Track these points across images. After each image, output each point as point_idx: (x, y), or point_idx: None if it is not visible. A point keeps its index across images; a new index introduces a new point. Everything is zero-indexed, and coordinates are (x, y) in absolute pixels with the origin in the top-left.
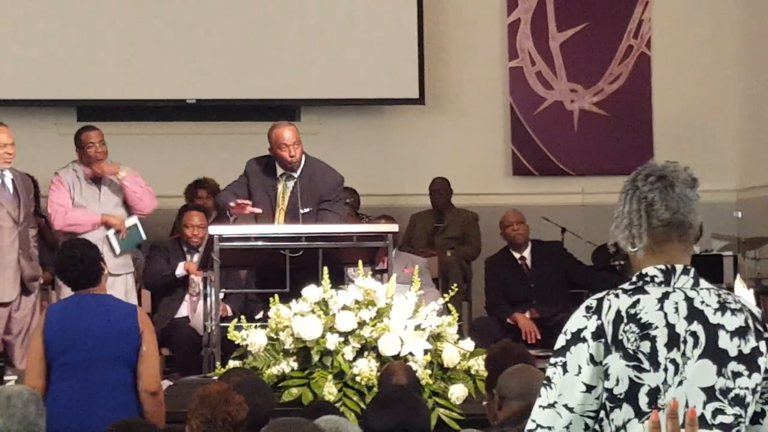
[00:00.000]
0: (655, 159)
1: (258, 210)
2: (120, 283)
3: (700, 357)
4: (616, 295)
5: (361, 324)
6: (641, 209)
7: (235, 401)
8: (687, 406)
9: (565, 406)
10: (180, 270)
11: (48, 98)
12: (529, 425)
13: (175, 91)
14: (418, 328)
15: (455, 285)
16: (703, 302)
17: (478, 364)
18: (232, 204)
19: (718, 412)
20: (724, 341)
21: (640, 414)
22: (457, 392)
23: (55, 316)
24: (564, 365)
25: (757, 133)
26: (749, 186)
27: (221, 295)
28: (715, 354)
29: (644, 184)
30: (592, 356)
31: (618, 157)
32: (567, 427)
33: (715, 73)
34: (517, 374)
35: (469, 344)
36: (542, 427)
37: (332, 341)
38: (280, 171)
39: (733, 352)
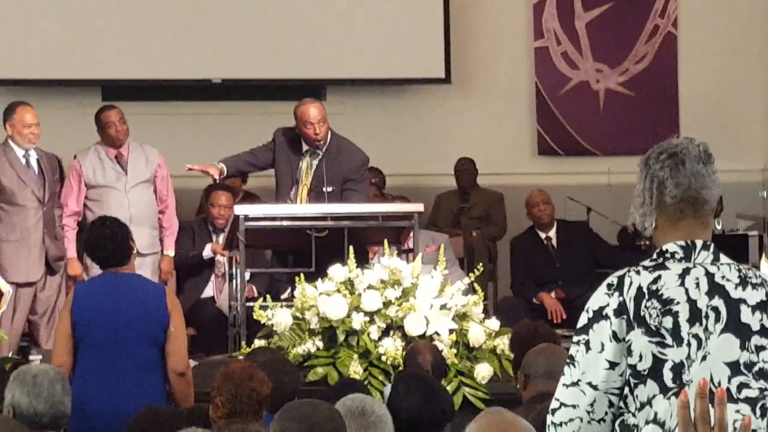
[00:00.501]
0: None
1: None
2: (148, 262)
3: (723, 332)
4: (637, 272)
5: (387, 303)
6: (653, 188)
7: (258, 377)
8: (712, 380)
9: (589, 383)
10: (207, 251)
11: (73, 78)
12: (553, 404)
13: (201, 70)
14: (443, 307)
15: (480, 265)
16: (723, 277)
17: (504, 344)
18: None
19: (743, 386)
20: (746, 315)
21: (665, 390)
22: (483, 371)
23: (83, 295)
24: (587, 343)
25: None
26: None
27: (247, 275)
28: (737, 328)
29: (656, 163)
30: (614, 333)
31: (644, 136)
32: (591, 405)
33: (742, 52)
34: (542, 353)
35: (494, 324)
36: (566, 405)
37: (358, 321)
38: (305, 147)
39: (755, 326)
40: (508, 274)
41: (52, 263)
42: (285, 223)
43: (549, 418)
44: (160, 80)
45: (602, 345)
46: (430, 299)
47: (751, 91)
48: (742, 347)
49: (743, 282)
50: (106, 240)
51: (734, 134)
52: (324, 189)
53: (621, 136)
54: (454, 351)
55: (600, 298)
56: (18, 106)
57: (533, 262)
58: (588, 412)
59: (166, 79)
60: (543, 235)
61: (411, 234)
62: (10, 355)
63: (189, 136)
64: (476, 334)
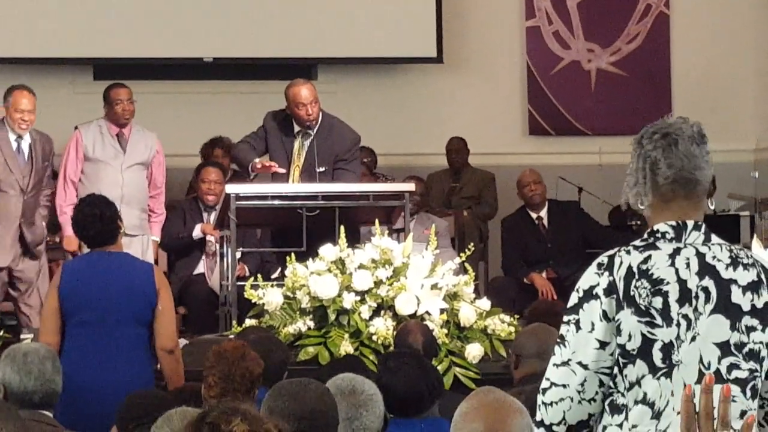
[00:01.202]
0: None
1: (282, 170)
2: (137, 243)
3: (713, 312)
4: (628, 252)
5: (378, 283)
6: (646, 167)
7: (251, 356)
8: (701, 361)
9: (579, 363)
10: (197, 232)
11: (64, 56)
12: (544, 384)
13: (192, 49)
14: (434, 287)
15: (471, 244)
16: (714, 257)
17: (495, 324)
18: (258, 164)
19: (733, 366)
20: (737, 296)
21: (654, 369)
22: (474, 351)
23: (70, 273)
24: (577, 323)
25: None
26: (767, 146)
27: (238, 254)
28: (727, 309)
29: (649, 143)
30: (604, 312)
31: (635, 116)
32: (582, 384)
33: (734, 32)
34: (534, 333)
35: (485, 303)
36: (557, 385)
37: (349, 300)
38: (296, 128)
39: (746, 307)
40: (499, 254)
41: (32, 249)
42: (276, 202)
43: (539, 397)
44: (151, 59)
45: (592, 324)
46: (421, 279)
47: (743, 70)
48: (733, 328)
49: (734, 262)
50: (94, 219)
51: (726, 114)
52: (316, 169)
53: (612, 116)
54: (445, 331)
55: (590, 277)
56: (16, 90)
57: (524, 242)
58: (578, 392)
59: (157, 57)
60: (534, 215)
61: (402, 213)
62: None
63: (181, 115)
64: (467, 314)
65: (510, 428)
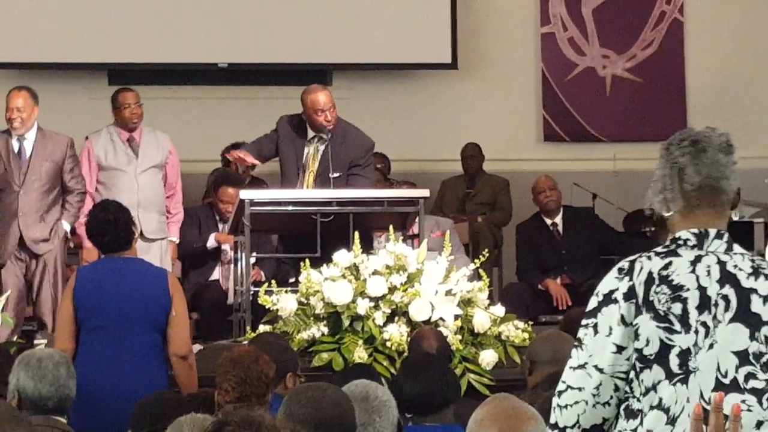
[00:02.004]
0: (688, 125)
1: (256, 161)
2: (156, 247)
3: (732, 320)
4: (649, 258)
5: (392, 289)
6: (674, 174)
7: (264, 360)
8: (719, 369)
9: (596, 366)
10: (211, 242)
11: (79, 62)
12: (560, 386)
13: (207, 55)
14: (448, 293)
15: (486, 250)
16: (736, 266)
17: (509, 330)
18: (236, 154)
19: (750, 376)
20: (757, 305)
21: (670, 375)
22: (488, 358)
23: (85, 279)
24: (595, 326)
25: None
26: None
27: (252, 260)
28: (747, 318)
29: (677, 149)
30: (623, 317)
31: (650, 123)
32: (597, 388)
33: (748, 39)
34: (549, 339)
35: (499, 310)
36: (572, 387)
37: (363, 306)
38: (311, 134)
39: (766, 317)
40: (513, 260)
41: (32, 245)
42: (290, 208)
43: (555, 400)
44: (166, 64)
45: (610, 329)
46: (435, 285)
47: (758, 77)
48: (752, 337)
49: (756, 272)
50: (108, 224)
51: (741, 121)
52: (330, 175)
53: (627, 123)
54: (459, 337)
55: (610, 281)
56: (11, 90)
57: (539, 248)
58: (593, 395)
59: (172, 63)
60: (549, 221)
61: (416, 220)
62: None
63: (195, 121)
64: (481, 320)
65: None
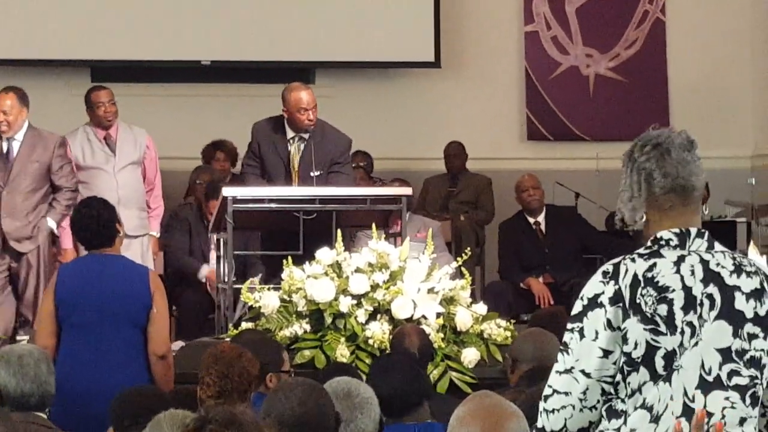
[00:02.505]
0: (671, 124)
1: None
2: (137, 244)
3: (716, 318)
4: (633, 260)
5: (374, 287)
6: (641, 180)
7: (247, 357)
8: (703, 366)
9: (582, 371)
10: (202, 274)
11: (61, 58)
12: (546, 390)
13: (190, 52)
14: (431, 291)
15: (468, 249)
16: (718, 264)
17: (491, 328)
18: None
19: (733, 373)
20: (741, 302)
21: (655, 377)
22: (470, 356)
23: (66, 276)
24: (581, 330)
25: None
26: (764, 152)
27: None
28: (731, 315)
29: (640, 155)
30: (609, 321)
31: (633, 122)
32: (584, 393)
33: (731, 38)
34: (530, 338)
35: (482, 308)
36: (559, 392)
37: (345, 304)
38: (291, 133)
39: (749, 314)
40: (495, 259)
41: (15, 245)
42: (273, 205)
43: (542, 404)
44: (149, 61)
45: (596, 333)
46: (418, 283)
47: (741, 76)
48: (735, 334)
49: (738, 270)
50: (91, 221)
51: (723, 120)
52: (312, 173)
53: (610, 122)
54: (441, 335)
55: (595, 285)
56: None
57: (521, 247)
58: (581, 400)
59: (155, 60)
60: (532, 220)
61: (400, 218)
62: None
63: (178, 118)
64: (463, 319)
65: None
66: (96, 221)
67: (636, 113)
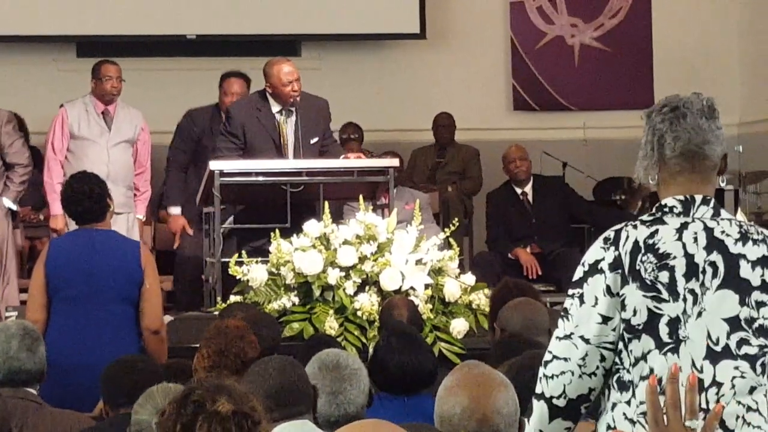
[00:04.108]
0: (655, 94)
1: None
2: (122, 221)
3: (720, 287)
4: (635, 226)
5: (362, 259)
6: (654, 141)
7: (250, 339)
8: (709, 337)
9: (581, 337)
10: (172, 212)
11: (47, 34)
12: (546, 356)
13: (175, 26)
14: (419, 262)
15: (456, 220)
16: (723, 232)
17: (480, 299)
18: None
19: (743, 342)
20: (746, 271)
21: (661, 345)
22: (459, 326)
23: (57, 250)
24: (581, 296)
25: (759, 66)
26: (751, 120)
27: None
28: (736, 284)
29: (657, 115)
30: (608, 287)
31: (619, 91)
32: (583, 359)
33: (716, 6)
34: (518, 308)
35: (470, 279)
36: (558, 358)
37: (333, 276)
38: (276, 107)
39: (755, 282)
40: (483, 229)
41: None
42: (260, 178)
43: (541, 370)
44: (134, 36)
45: (596, 299)
46: (406, 254)
47: (726, 44)
48: (742, 303)
49: (744, 237)
50: (83, 195)
51: (709, 88)
52: (310, 141)
53: (596, 91)
54: (430, 306)
55: (596, 252)
56: None
57: (509, 218)
58: (579, 366)
59: (140, 35)
60: (519, 191)
61: (388, 189)
62: None
63: (164, 92)
64: (452, 289)
65: (494, 402)
66: (88, 196)
67: (621, 82)
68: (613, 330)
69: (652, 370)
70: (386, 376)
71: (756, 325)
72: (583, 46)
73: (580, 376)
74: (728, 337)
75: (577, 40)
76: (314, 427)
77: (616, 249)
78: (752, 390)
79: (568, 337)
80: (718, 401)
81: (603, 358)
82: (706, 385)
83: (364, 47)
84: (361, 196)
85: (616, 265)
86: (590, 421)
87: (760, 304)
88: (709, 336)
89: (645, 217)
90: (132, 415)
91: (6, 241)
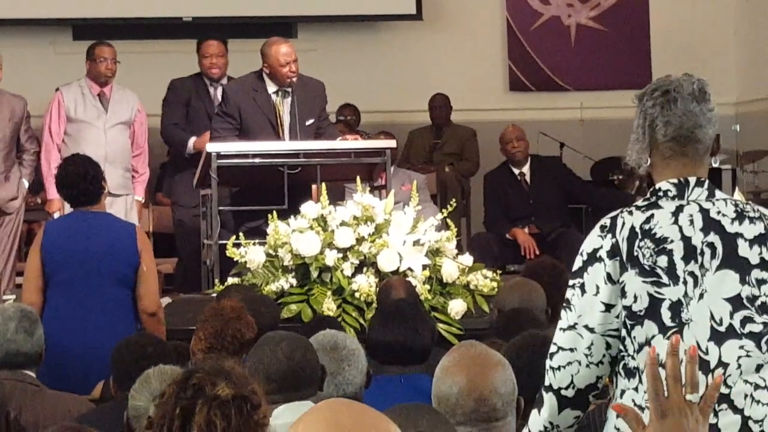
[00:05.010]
0: (652, 74)
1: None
2: (120, 202)
3: (719, 267)
4: (630, 212)
5: (360, 240)
6: (646, 125)
7: (246, 320)
8: (713, 317)
9: (586, 326)
10: (190, 146)
11: (43, 17)
12: (551, 348)
13: (172, 9)
14: (416, 243)
15: (453, 200)
16: (719, 212)
17: (477, 279)
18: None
19: (747, 320)
20: (744, 249)
21: (664, 329)
22: (456, 307)
23: (53, 233)
24: (582, 286)
25: (756, 45)
26: (748, 99)
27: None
28: (735, 263)
29: (649, 99)
30: (609, 275)
31: (616, 71)
32: (589, 348)
33: None
34: (516, 288)
35: (467, 259)
36: (564, 349)
37: (331, 257)
38: (273, 88)
39: (754, 260)
40: (481, 210)
41: (3, 204)
42: (257, 160)
43: (547, 362)
44: (131, 18)
45: (597, 287)
46: (403, 235)
47: (723, 23)
48: (743, 281)
49: (740, 216)
50: (78, 178)
51: (706, 67)
52: (306, 123)
53: (592, 71)
54: (428, 287)
55: (593, 240)
56: None
57: (506, 198)
58: (586, 355)
59: (137, 17)
60: (516, 171)
61: (384, 170)
62: None
63: (160, 75)
64: (449, 270)
65: (491, 381)
66: (83, 178)
67: (618, 62)
68: (617, 317)
69: (657, 356)
70: (377, 350)
71: (758, 302)
72: (580, 26)
73: (587, 366)
74: (731, 317)
75: (574, 20)
76: None
77: (613, 236)
78: (759, 368)
79: (572, 327)
80: (725, 382)
81: (609, 346)
82: (712, 366)
83: (360, 29)
84: (358, 178)
85: (614, 252)
86: None
87: (760, 282)
88: (712, 317)
89: (640, 203)
90: (129, 400)
91: (20, 216)
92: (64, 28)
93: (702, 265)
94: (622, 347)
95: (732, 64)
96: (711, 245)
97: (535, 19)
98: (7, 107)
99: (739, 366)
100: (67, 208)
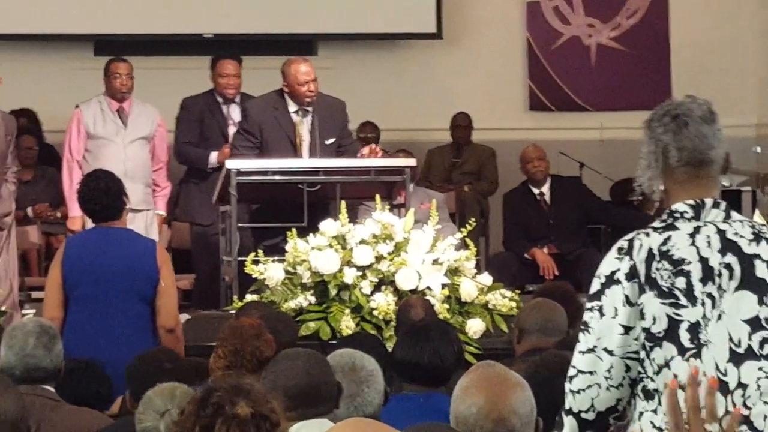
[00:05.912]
0: (673, 94)
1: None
2: (140, 218)
3: (738, 289)
4: (647, 234)
5: (379, 258)
6: (658, 151)
7: (265, 337)
8: (731, 339)
9: (605, 349)
10: (213, 160)
11: (65, 33)
12: (570, 371)
13: (192, 25)
14: (435, 262)
15: (472, 220)
16: (736, 233)
17: (496, 299)
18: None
19: (765, 341)
20: (762, 270)
21: (683, 351)
22: (475, 326)
23: (74, 248)
24: (600, 309)
25: None
26: None
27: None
28: (753, 284)
29: (659, 126)
30: (627, 297)
31: (636, 92)
32: (609, 371)
33: (734, 6)
34: (537, 309)
35: (486, 279)
36: (583, 372)
37: (350, 275)
38: (293, 107)
39: None
40: (499, 230)
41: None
42: (277, 177)
43: (567, 385)
44: (152, 35)
45: (615, 310)
46: (422, 254)
47: (744, 44)
48: (761, 302)
49: (757, 237)
50: (100, 193)
51: (727, 89)
52: (326, 142)
53: (613, 92)
54: (446, 306)
55: (611, 262)
56: None
57: (526, 218)
58: (606, 378)
59: (158, 33)
60: (536, 191)
61: (404, 189)
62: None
63: (181, 91)
64: (468, 289)
65: (510, 402)
66: (105, 194)
67: (638, 83)
68: (636, 339)
69: (676, 377)
70: (401, 368)
71: None
72: (600, 46)
73: (607, 389)
74: (750, 338)
75: (594, 40)
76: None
77: (631, 258)
78: None
79: (591, 350)
80: (744, 403)
81: (628, 369)
82: (731, 387)
83: (380, 47)
84: (377, 196)
85: (632, 274)
86: None
87: None
88: (730, 338)
89: (656, 224)
90: (137, 424)
91: (13, 230)
92: (85, 44)
93: (720, 287)
94: (641, 369)
95: (752, 85)
96: (728, 266)
97: (555, 38)
98: (2, 125)
99: (759, 387)
100: (89, 224)
